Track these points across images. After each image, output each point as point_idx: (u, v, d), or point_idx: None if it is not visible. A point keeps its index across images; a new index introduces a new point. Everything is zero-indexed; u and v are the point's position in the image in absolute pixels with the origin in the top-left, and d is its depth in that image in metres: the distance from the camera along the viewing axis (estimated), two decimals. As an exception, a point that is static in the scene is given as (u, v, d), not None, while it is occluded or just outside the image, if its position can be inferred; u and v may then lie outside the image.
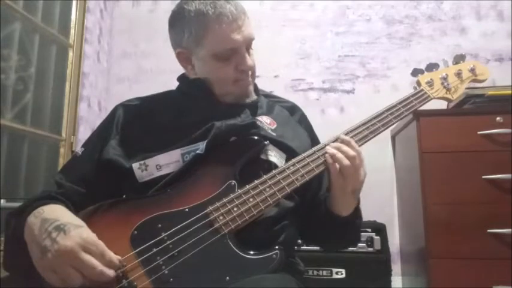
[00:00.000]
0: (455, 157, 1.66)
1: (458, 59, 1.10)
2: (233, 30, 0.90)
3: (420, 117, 1.70)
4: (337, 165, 0.86)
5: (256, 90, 1.05)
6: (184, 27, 0.94)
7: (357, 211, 0.94)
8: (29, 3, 1.80)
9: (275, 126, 0.99)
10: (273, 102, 1.09)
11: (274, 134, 0.96)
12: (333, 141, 0.90)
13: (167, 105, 1.01)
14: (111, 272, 0.71)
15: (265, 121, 0.98)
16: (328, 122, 2.24)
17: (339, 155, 0.86)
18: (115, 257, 0.73)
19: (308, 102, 2.28)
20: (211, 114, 0.95)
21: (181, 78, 1.07)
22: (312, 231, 1.01)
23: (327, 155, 0.87)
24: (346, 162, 0.85)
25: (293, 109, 1.11)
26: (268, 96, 1.12)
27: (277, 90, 2.28)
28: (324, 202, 0.96)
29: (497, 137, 1.63)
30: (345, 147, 0.87)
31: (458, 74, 1.08)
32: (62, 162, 1.97)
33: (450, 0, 2.31)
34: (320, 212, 0.96)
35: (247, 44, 0.95)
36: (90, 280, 0.70)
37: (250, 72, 0.97)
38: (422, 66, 1.08)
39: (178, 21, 0.96)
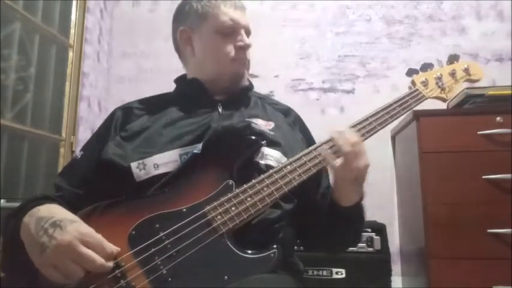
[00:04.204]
0: (455, 157, 1.66)
1: (452, 59, 1.10)
2: (236, 12, 1.03)
3: (420, 117, 1.70)
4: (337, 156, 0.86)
5: (250, 82, 1.09)
6: (191, 7, 1.05)
7: (359, 207, 0.93)
8: (29, 3, 1.80)
9: (271, 127, 0.99)
10: (267, 105, 1.10)
11: (272, 133, 0.97)
12: (328, 141, 0.90)
13: (165, 107, 1.03)
14: (111, 264, 0.71)
15: (261, 123, 0.99)
16: (328, 122, 2.23)
17: (340, 141, 0.86)
18: (114, 248, 0.73)
19: (308, 102, 2.29)
20: (207, 115, 0.98)
21: (178, 80, 1.11)
22: (311, 231, 1.01)
23: (325, 146, 0.87)
24: (346, 147, 0.84)
25: (287, 112, 1.11)
26: (262, 98, 1.12)
27: (277, 90, 2.31)
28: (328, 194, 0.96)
29: (497, 137, 1.63)
30: (347, 134, 0.87)
31: (453, 74, 1.08)
32: (62, 162, 1.97)
33: (450, 0, 2.31)
34: (321, 206, 0.96)
35: (246, 30, 1.05)
36: (91, 273, 0.70)
37: (247, 53, 1.03)
38: (422, 66, 1.09)
39: (187, 4, 1.07)
